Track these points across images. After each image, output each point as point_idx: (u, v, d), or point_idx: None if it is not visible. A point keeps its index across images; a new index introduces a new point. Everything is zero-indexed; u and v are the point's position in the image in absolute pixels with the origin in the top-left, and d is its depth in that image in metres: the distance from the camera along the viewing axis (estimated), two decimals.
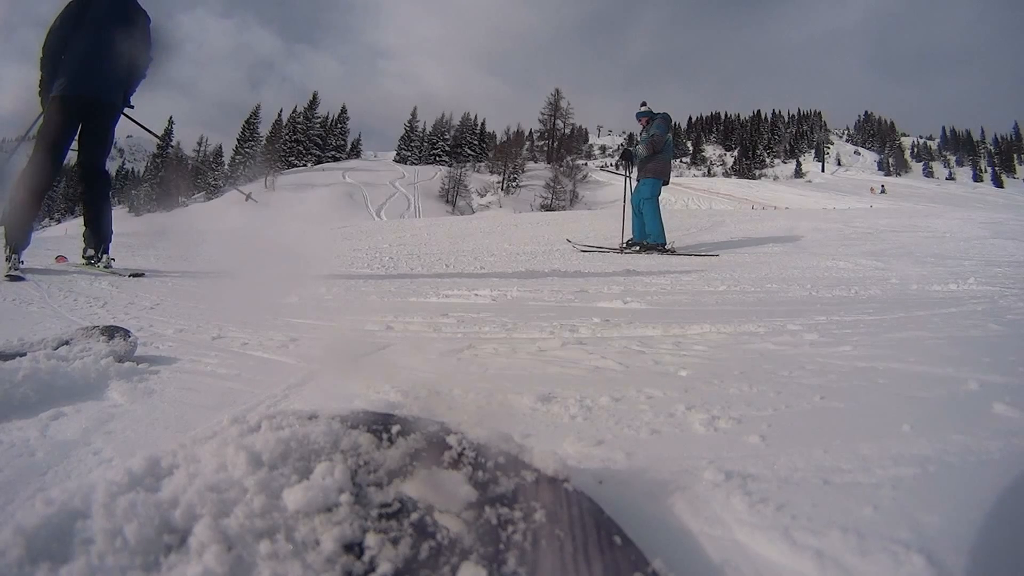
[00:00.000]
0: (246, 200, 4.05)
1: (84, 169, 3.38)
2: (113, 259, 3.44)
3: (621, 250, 5.90)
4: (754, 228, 8.03)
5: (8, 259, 3.00)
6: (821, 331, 1.36)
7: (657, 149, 6.09)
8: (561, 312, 1.83)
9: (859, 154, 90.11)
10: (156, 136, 4.60)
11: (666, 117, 6.31)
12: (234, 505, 0.41)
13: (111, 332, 1.13)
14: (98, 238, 3.43)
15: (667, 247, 5.81)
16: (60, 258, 4.00)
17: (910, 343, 1.20)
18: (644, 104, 6.43)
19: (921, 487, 0.49)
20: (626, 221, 6.33)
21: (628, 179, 6.65)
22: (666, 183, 6.23)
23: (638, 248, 5.93)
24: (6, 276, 2.82)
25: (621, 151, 6.81)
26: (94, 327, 1.16)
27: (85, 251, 3.48)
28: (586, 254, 5.55)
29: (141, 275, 3.16)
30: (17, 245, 3.08)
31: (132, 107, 3.69)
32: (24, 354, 0.96)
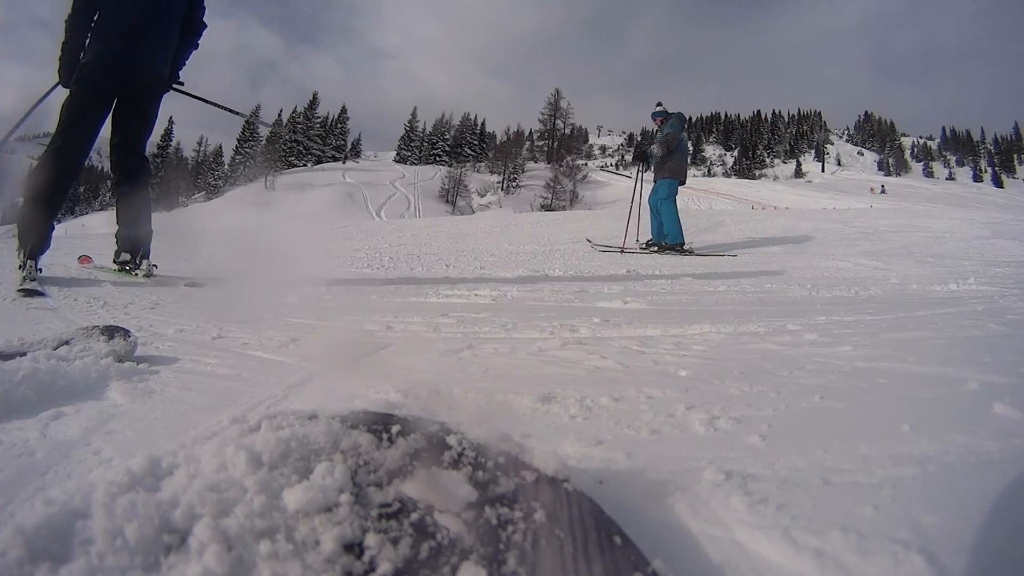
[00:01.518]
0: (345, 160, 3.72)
1: (120, 154, 2.77)
2: (155, 265, 2.81)
3: (622, 250, 5.90)
4: (754, 228, 8.03)
5: (22, 266, 2.39)
6: (821, 331, 1.36)
7: (671, 148, 6.08)
8: (561, 312, 1.83)
9: (863, 155, 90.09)
10: (238, 114, 3.74)
11: (680, 116, 6.31)
12: (234, 505, 0.41)
13: (111, 332, 1.13)
14: (136, 239, 2.80)
15: (685, 247, 5.77)
16: (84, 258, 3.30)
17: (910, 343, 1.20)
18: (660, 104, 6.42)
19: (921, 487, 0.49)
20: (631, 221, 6.34)
21: (639, 180, 6.64)
22: (683, 183, 6.21)
23: (656, 249, 5.88)
24: (19, 290, 2.20)
25: (635, 152, 6.78)
26: (94, 327, 1.16)
27: (118, 254, 2.87)
28: (586, 254, 5.54)
29: (199, 285, 2.62)
30: (34, 249, 2.44)
31: (182, 83, 3.02)
32: (24, 354, 0.96)
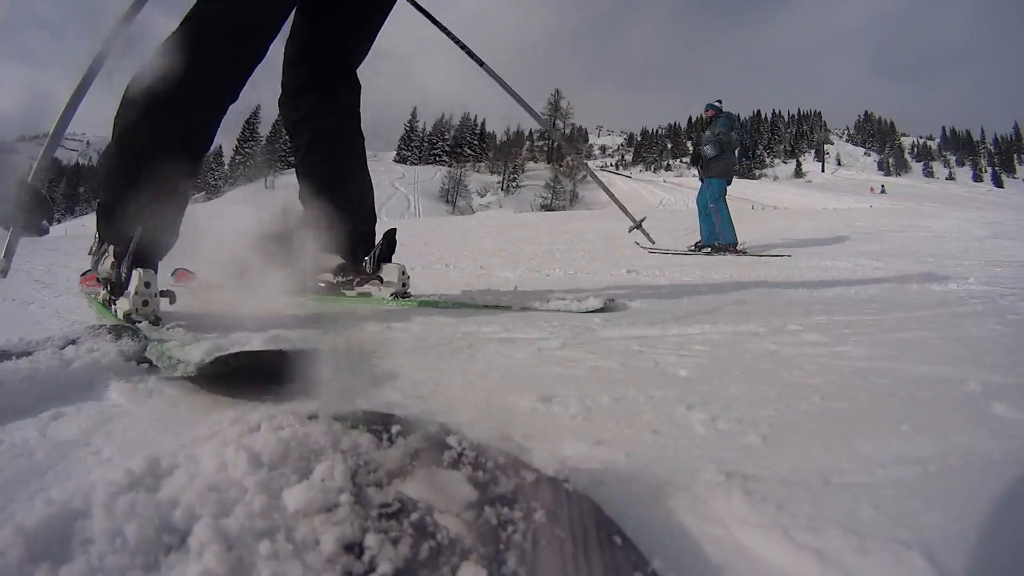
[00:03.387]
0: (635, 230, 2.71)
1: (315, 66, 1.53)
2: (406, 274, 1.62)
3: (652, 250, 5.81)
4: (754, 228, 8.03)
5: (113, 287, 1.27)
6: (821, 331, 1.36)
7: (723, 148, 6.08)
8: (561, 312, 1.83)
9: (869, 155, 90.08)
10: (472, 56, 2.33)
11: (731, 116, 6.37)
12: (234, 505, 0.41)
13: (119, 332, 1.11)
14: (357, 225, 1.55)
15: (739, 248, 5.70)
16: (182, 273, 2.20)
17: (910, 343, 1.20)
18: (720, 101, 6.43)
19: (921, 487, 0.49)
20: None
21: (704, 181, 6.56)
22: (729, 183, 6.18)
23: (709, 251, 5.81)
24: (119, 324, 1.11)
25: (692, 156, 6.74)
26: (101, 326, 1.14)
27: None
28: (587, 253, 5.54)
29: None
30: (153, 249, 1.28)
31: None
32: (31, 353, 0.96)
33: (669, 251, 5.90)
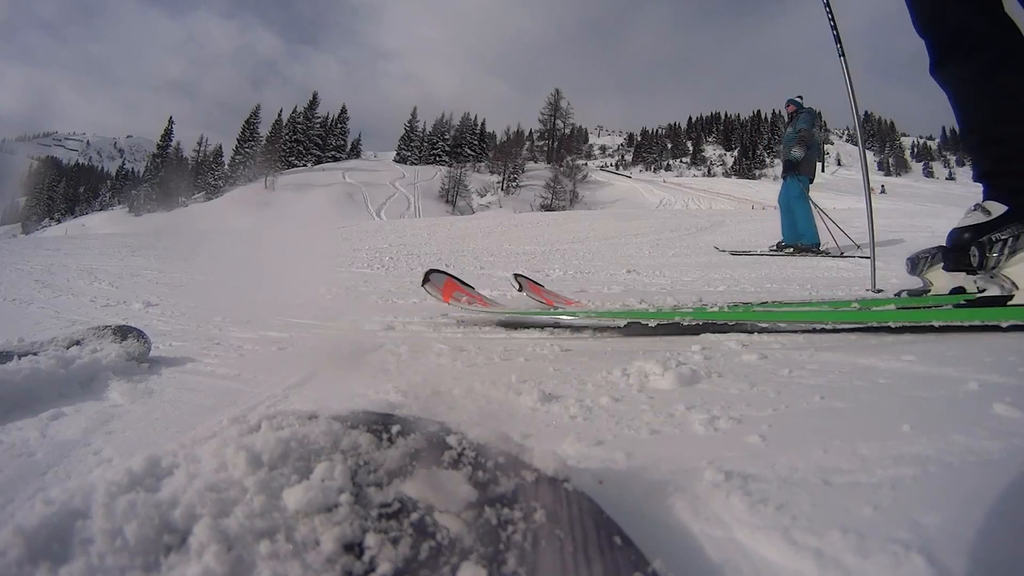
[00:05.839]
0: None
1: None
2: None
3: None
4: (754, 228, 8.02)
5: None
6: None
7: (808, 145, 5.93)
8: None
9: (877, 157, 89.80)
10: None
11: (812, 112, 6.15)
12: (234, 505, 0.41)
13: (124, 332, 1.11)
14: None
15: (822, 248, 5.45)
16: (537, 286, 1.69)
17: (910, 342, 1.20)
18: (800, 97, 6.27)
19: (921, 487, 0.49)
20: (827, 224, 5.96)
21: (784, 179, 6.25)
22: (812, 180, 5.98)
23: (792, 251, 5.56)
24: None
25: (784, 164, 6.25)
26: (105, 327, 1.14)
27: (992, 251, 1.23)
28: (587, 253, 5.54)
29: None
30: None
31: None
32: (35, 353, 0.96)
33: (751, 252, 5.57)
